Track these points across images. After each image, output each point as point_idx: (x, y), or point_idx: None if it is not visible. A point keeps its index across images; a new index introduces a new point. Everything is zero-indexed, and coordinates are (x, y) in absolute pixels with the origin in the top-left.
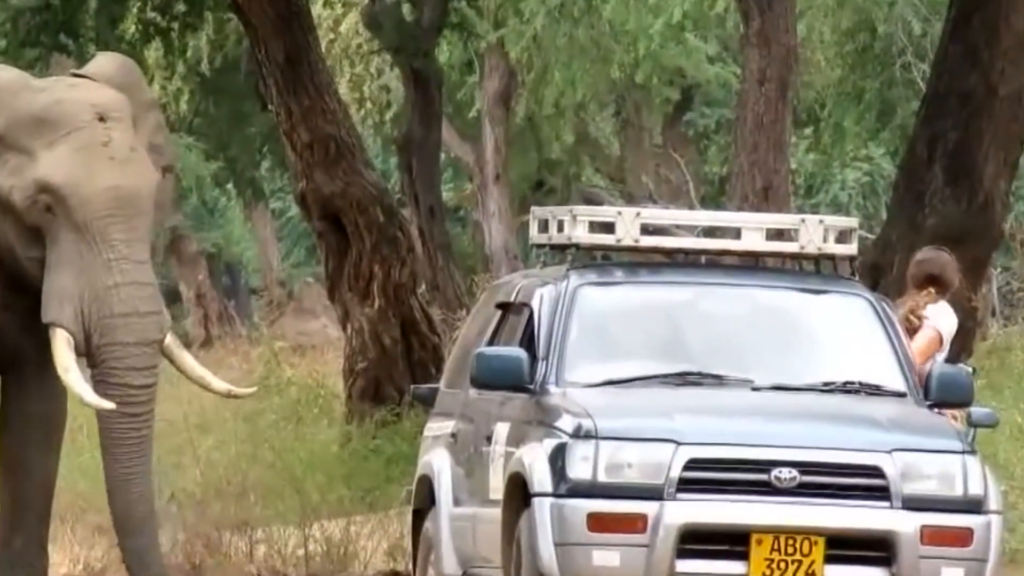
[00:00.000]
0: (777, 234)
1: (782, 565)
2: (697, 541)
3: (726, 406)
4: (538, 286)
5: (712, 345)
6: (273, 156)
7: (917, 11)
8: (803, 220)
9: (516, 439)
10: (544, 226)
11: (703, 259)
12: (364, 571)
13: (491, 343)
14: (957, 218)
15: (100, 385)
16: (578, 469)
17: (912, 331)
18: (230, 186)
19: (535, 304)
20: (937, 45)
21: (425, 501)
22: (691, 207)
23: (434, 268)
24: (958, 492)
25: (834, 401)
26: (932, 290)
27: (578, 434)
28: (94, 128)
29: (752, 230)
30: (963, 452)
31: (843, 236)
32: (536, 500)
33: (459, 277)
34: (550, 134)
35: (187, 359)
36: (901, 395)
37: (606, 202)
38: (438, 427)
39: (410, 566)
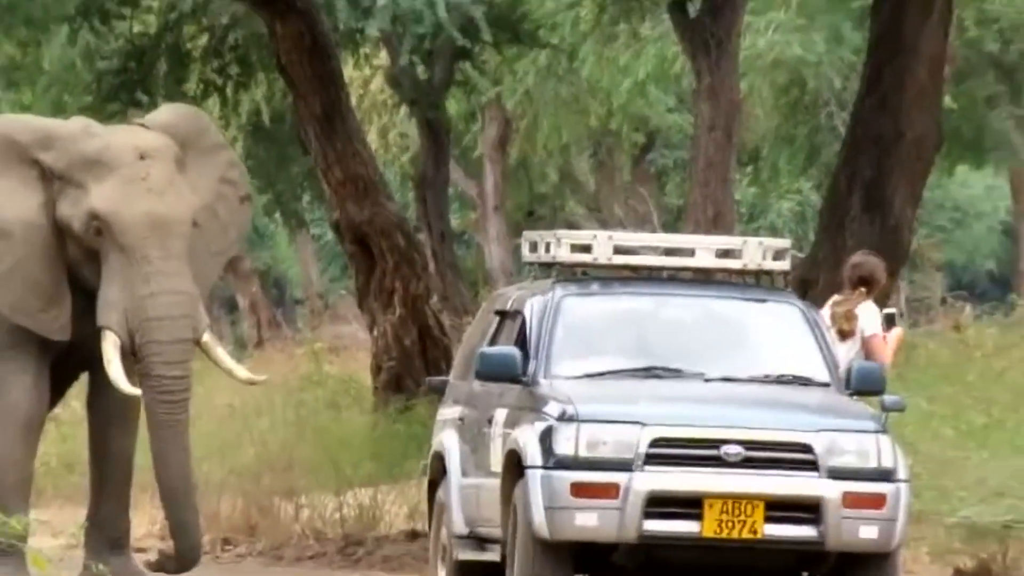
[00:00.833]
0: (724, 253)
1: (729, 525)
2: (660, 505)
3: (683, 394)
4: (529, 296)
5: (671, 344)
6: (312, 191)
7: (839, 69)
8: (745, 242)
9: (512, 422)
10: (534, 247)
11: (664, 274)
12: (389, 530)
13: (491, 343)
14: (872, 240)
15: (143, 378)
16: (563, 446)
17: (846, 332)
18: (277, 215)
19: (527, 311)
20: (855, 97)
21: (438, 473)
22: (654, 231)
23: (444, 282)
24: (873, 464)
25: (772, 390)
26: (863, 289)
27: (563, 418)
28: (135, 165)
29: (704, 250)
30: (877, 431)
31: (778, 255)
32: (529, 472)
33: (465, 290)
34: (539, 172)
35: (220, 353)
36: (826, 385)
37: (585, 227)
38: (448, 412)
39: (427, 526)
